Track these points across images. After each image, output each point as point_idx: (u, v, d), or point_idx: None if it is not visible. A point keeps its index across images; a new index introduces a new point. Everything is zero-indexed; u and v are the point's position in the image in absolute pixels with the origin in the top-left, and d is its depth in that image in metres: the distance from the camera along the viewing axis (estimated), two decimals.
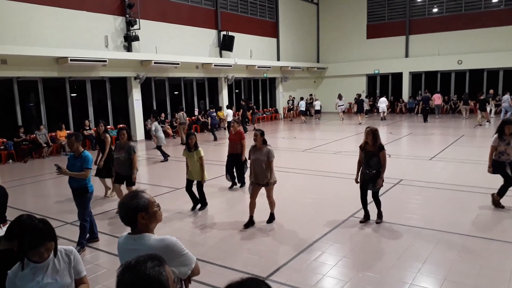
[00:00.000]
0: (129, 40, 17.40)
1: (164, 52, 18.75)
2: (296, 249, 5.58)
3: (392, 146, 14.24)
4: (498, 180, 6.93)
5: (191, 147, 7.33)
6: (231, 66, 21.86)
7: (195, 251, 2.42)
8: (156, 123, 13.31)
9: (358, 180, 6.49)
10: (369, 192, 6.44)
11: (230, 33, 22.34)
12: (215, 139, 17.27)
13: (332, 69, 30.24)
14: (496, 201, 6.93)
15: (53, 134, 15.16)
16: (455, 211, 6.95)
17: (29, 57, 13.65)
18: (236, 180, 9.01)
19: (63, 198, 8.74)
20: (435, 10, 26.53)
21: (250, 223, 6.52)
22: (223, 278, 4.74)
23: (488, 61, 24.47)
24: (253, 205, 6.51)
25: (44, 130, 14.71)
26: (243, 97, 24.83)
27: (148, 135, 17.41)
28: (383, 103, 23.70)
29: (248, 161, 6.78)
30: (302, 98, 25.35)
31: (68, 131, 15.64)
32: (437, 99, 23.09)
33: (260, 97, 26.98)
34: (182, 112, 17.98)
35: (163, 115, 19.43)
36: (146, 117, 18.17)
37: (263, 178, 6.30)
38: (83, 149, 5.87)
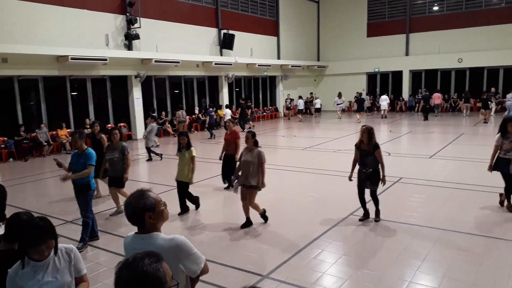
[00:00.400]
0: (130, 38, 17.40)
1: (164, 51, 18.75)
2: (295, 247, 5.60)
3: (392, 144, 14.25)
4: (498, 179, 6.92)
5: (182, 147, 7.17)
6: (231, 64, 21.86)
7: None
8: (154, 124, 13.23)
9: (351, 179, 6.51)
10: (367, 191, 6.45)
11: (231, 32, 22.34)
12: (213, 137, 17.29)
13: (333, 67, 30.23)
14: (502, 201, 6.89)
15: (54, 132, 15.18)
16: (454, 209, 6.96)
17: (29, 55, 13.66)
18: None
19: (63, 196, 8.77)
20: (435, 8, 26.50)
21: (247, 224, 6.49)
22: (223, 276, 4.77)
23: (488, 59, 24.45)
24: (247, 206, 6.44)
25: (45, 129, 14.73)
26: (243, 95, 24.84)
27: None
28: (384, 101, 23.69)
29: (238, 163, 6.73)
30: (300, 97, 25.31)
31: (68, 130, 15.66)
32: (437, 98, 23.10)
33: (261, 96, 26.97)
34: (182, 110, 17.98)
35: (163, 113, 19.46)
36: (146, 116, 18.17)
37: (251, 181, 6.22)
38: (86, 147, 5.91)
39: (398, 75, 28.00)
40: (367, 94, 28.16)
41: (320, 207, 7.42)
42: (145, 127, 18.14)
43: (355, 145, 6.46)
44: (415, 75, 27.79)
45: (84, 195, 5.86)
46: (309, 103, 27.35)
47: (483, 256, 5.09)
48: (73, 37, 15.48)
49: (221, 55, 22.44)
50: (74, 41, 15.41)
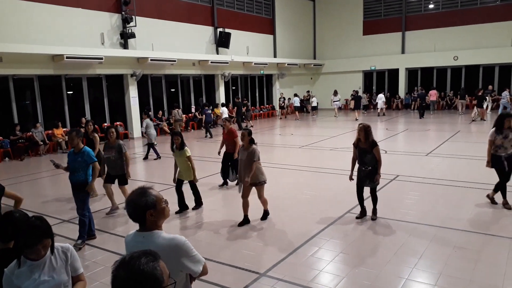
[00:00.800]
0: (125, 37, 17.34)
1: (160, 49, 18.70)
2: (293, 245, 5.61)
3: (388, 142, 14.29)
4: (494, 176, 6.95)
5: (176, 147, 7.12)
6: (227, 63, 21.83)
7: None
8: (148, 119, 13.18)
9: (353, 178, 6.50)
10: (366, 189, 6.47)
11: (227, 30, 22.31)
12: (210, 136, 17.26)
13: (329, 65, 30.25)
14: (492, 199, 6.94)
15: (50, 132, 15.12)
16: (450, 206, 6.99)
17: (24, 54, 13.58)
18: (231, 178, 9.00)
19: (60, 195, 8.74)
20: (431, 6, 26.56)
21: (245, 221, 6.50)
22: (220, 275, 4.77)
23: (484, 57, 24.54)
24: (246, 204, 6.48)
25: (41, 128, 14.67)
26: (239, 94, 24.83)
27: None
28: (380, 99, 23.78)
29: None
30: (295, 95, 25.29)
31: (64, 129, 15.61)
32: (433, 95, 23.19)
33: (257, 94, 26.96)
34: (177, 109, 17.96)
35: (160, 112, 19.42)
36: (143, 115, 18.14)
37: (253, 178, 6.27)
38: (83, 145, 5.99)
39: (394, 73, 28.06)
40: (363, 92, 28.22)
41: (317, 205, 7.43)
42: (142, 126, 18.15)
43: (353, 143, 6.45)
44: (411, 73, 27.86)
45: (82, 193, 5.91)
46: (305, 101, 27.36)
47: (479, 253, 5.12)
48: (68, 36, 15.41)
49: (217, 53, 22.41)
50: (69, 40, 15.34)
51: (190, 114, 21.08)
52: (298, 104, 24.25)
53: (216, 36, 22.33)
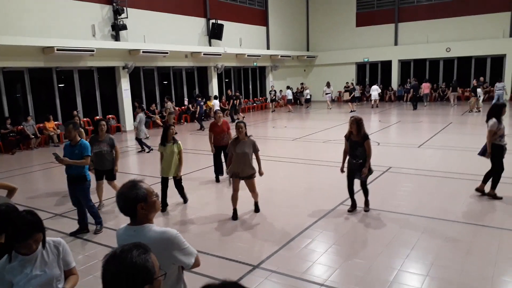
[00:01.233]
0: (117, 29, 17.15)
1: (152, 41, 18.53)
2: (286, 237, 5.63)
3: (381, 134, 14.35)
4: (485, 167, 7.01)
5: (169, 140, 6.89)
6: (220, 55, 21.70)
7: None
8: (141, 114, 13.07)
9: (344, 170, 6.49)
10: (357, 182, 6.48)
11: (219, 22, 22.15)
12: (202, 128, 17.21)
13: (322, 57, 30.21)
14: (482, 190, 6.95)
15: (41, 125, 14.97)
16: (442, 198, 7.05)
17: (14, 47, 13.38)
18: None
19: (51, 189, 8.69)
20: None
21: (236, 215, 6.48)
22: (215, 268, 4.78)
23: (476, 49, 24.66)
24: (237, 198, 6.41)
25: (32, 121, 14.52)
26: (232, 86, 24.74)
27: None
28: (375, 90, 23.82)
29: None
30: (288, 87, 25.23)
31: (56, 122, 15.47)
32: (426, 88, 23.29)
33: (250, 86, 26.88)
34: (169, 102, 17.87)
35: (153, 105, 19.30)
36: (135, 108, 18.00)
37: (249, 171, 6.25)
38: (80, 138, 5.99)
39: (387, 64, 28.10)
40: (357, 84, 28.25)
41: (310, 197, 7.46)
42: (134, 119, 18.04)
43: (345, 136, 6.44)
44: (404, 64, 27.93)
45: (81, 186, 5.94)
46: (299, 93, 27.33)
47: (470, 244, 5.18)
48: (58, 27, 15.20)
49: (210, 45, 22.27)
50: (60, 32, 15.14)
51: (183, 107, 20.98)
52: (291, 97, 24.20)
53: (208, 28, 22.17)
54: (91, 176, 6.29)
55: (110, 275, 1.57)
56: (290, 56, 27.78)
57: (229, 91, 20.58)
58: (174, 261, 2.30)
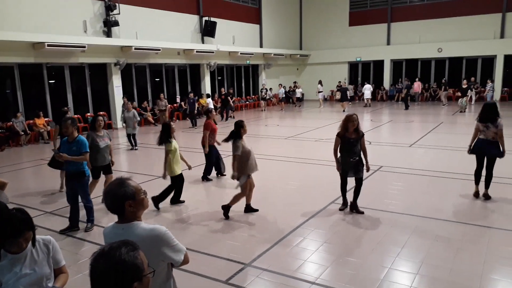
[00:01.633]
0: (109, 25, 17.00)
1: (144, 38, 18.41)
2: (278, 235, 5.64)
3: (373, 133, 14.42)
4: (474, 166, 7.06)
5: (172, 137, 6.82)
6: (213, 52, 21.63)
7: (177, 240, 2.44)
8: (134, 110, 13.04)
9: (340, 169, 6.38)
10: (350, 180, 6.49)
11: (212, 19, 22.06)
12: (194, 125, 17.17)
13: (315, 56, 30.27)
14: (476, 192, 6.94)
15: (31, 121, 14.80)
16: (433, 197, 7.10)
17: (3, 42, 13.19)
18: (220, 170, 8.96)
19: (41, 187, 8.60)
20: None
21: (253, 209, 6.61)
22: (207, 266, 4.77)
23: (467, 49, 24.89)
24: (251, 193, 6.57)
25: (22, 118, 14.35)
26: (225, 84, 24.68)
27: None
28: (367, 89, 23.93)
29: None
30: (280, 85, 25.21)
31: (46, 119, 15.32)
32: (416, 87, 23.45)
33: (243, 84, 26.84)
34: (164, 100, 17.77)
35: (145, 102, 19.19)
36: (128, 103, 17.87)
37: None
38: (77, 134, 5.96)
39: (379, 64, 28.25)
40: (349, 84, 28.36)
41: (302, 195, 7.48)
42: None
43: (338, 134, 6.29)
44: (396, 64, 28.09)
45: (80, 182, 5.95)
46: (291, 92, 27.38)
47: (460, 243, 5.23)
48: (49, 23, 15.02)
49: (203, 42, 22.18)
50: (50, 27, 14.96)
51: (175, 104, 20.88)
52: (283, 95, 24.22)
53: (201, 25, 22.08)
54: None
55: (98, 272, 1.56)
56: (283, 55, 27.78)
57: (222, 89, 20.45)
58: (164, 258, 2.29)
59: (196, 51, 20.57)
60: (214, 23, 21.99)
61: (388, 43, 27.66)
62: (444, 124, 16.05)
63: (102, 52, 16.76)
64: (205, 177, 8.77)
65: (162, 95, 18.39)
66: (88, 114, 17.12)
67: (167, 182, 7.07)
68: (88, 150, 5.97)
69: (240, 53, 23.68)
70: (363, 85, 25.80)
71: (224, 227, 6.07)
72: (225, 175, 8.93)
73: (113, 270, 1.55)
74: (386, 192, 7.48)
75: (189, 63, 21.60)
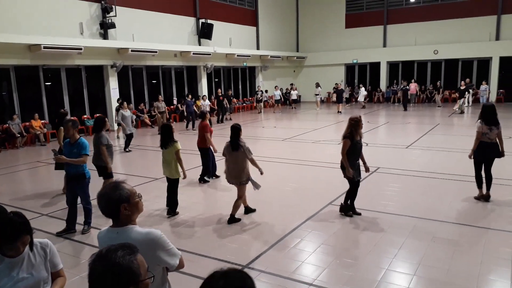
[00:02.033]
0: (105, 27, 16.98)
1: (141, 40, 18.40)
2: (275, 236, 5.64)
3: (370, 134, 14.44)
4: (472, 168, 7.08)
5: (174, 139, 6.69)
6: (210, 54, 21.63)
7: (174, 243, 2.44)
8: (129, 111, 13.05)
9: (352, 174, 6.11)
10: (345, 182, 6.48)
11: (209, 21, 22.08)
12: (191, 126, 17.17)
13: (312, 58, 30.32)
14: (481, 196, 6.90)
15: (27, 124, 14.75)
16: (430, 198, 7.13)
17: (0, 44, 13.16)
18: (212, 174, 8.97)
19: (38, 189, 8.56)
20: (412, 0, 26.83)
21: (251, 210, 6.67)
22: (203, 268, 4.76)
23: (463, 51, 25.00)
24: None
25: (18, 120, 14.31)
26: (222, 86, 24.66)
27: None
28: (361, 93, 24.10)
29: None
30: (276, 87, 25.22)
31: (42, 121, 15.27)
32: (413, 88, 23.55)
33: (240, 86, 26.85)
34: (162, 102, 17.74)
35: (142, 104, 19.16)
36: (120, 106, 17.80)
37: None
38: (79, 136, 5.96)
39: (376, 66, 28.33)
40: (346, 85, 28.42)
41: (300, 197, 7.48)
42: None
43: (348, 137, 6.01)
44: (392, 66, 28.18)
45: (81, 184, 5.94)
46: (288, 94, 27.39)
47: (457, 244, 5.25)
48: (46, 25, 14.99)
49: (200, 44, 22.19)
50: (47, 30, 14.93)
51: (172, 106, 20.86)
52: (279, 97, 24.24)
53: (198, 27, 22.09)
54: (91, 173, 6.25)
55: (96, 274, 1.57)
56: (280, 57, 27.81)
57: (219, 90, 20.37)
58: (159, 262, 2.28)
59: (193, 53, 20.57)
60: (211, 25, 22.00)
61: (384, 45, 27.76)
62: (440, 125, 16.11)
63: (99, 54, 16.73)
64: (203, 179, 8.77)
65: (160, 97, 18.36)
66: (85, 116, 17.07)
67: (164, 185, 7.06)
68: (88, 153, 5.87)
69: (237, 55, 23.70)
70: (359, 87, 25.87)
71: (221, 229, 6.07)
72: (219, 176, 8.92)
73: (110, 272, 1.55)
74: (383, 194, 7.50)
75: (186, 65, 21.60)
